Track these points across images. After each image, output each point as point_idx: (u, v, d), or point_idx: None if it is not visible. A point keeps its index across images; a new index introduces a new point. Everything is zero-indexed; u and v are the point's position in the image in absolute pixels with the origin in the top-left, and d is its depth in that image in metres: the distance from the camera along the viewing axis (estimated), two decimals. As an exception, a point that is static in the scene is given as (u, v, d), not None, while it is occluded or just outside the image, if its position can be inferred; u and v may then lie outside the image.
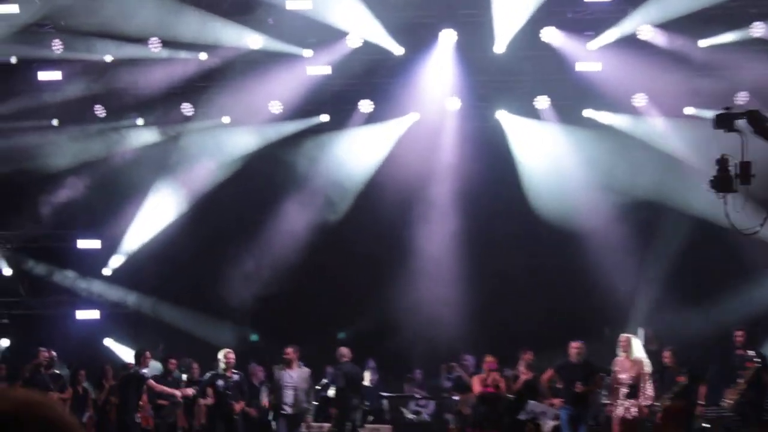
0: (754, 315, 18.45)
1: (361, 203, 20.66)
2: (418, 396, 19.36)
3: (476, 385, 16.87)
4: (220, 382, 16.91)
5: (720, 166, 15.07)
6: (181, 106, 19.95)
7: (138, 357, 17.43)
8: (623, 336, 15.96)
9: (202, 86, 19.53)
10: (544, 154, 20.32)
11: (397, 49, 18.92)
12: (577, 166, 20.00)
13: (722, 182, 14.93)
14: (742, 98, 17.82)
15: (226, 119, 20.34)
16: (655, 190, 19.37)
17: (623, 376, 15.64)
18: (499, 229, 20.45)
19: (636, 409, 15.59)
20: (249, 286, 20.53)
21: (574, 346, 16.54)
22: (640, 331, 17.66)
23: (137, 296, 21.11)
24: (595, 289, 19.63)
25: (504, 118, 20.40)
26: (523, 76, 19.26)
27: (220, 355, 17.05)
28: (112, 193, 20.33)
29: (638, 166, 19.35)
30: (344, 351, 17.28)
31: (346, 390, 16.98)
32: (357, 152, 20.73)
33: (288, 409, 16.57)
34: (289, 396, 16.58)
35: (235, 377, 17.05)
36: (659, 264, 19.94)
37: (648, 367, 15.76)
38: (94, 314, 20.91)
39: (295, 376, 16.67)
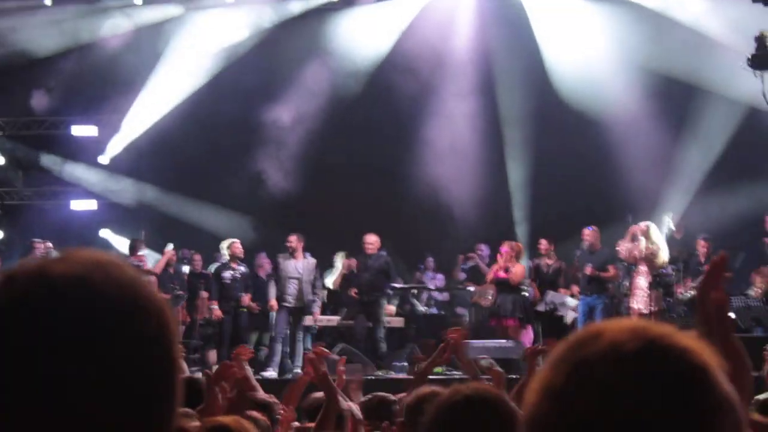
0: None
1: (374, 85, 19.63)
2: (431, 288, 18.71)
3: (490, 274, 16.21)
4: (226, 274, 16.10)
5: (758, 44, 14.44)
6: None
7: (131, 248, 16.82)
8: (642, 224, 15.36)
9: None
10: (569, 32, 19.27)
11: None
12: (606, 47, 18.94)
13: (761, 60, 14.30)
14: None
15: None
16: (689, 72, 18.27)
17: (641, 267, 15.12)
18: (520, 112, 19.52)
19: (655, 303, 15.06)
20: (257, 176, 19.75)
21: (586, 234, 16.00)
22: (666, 218, 16.91)
23: (137, 186, 20.33)
24: (623, 175, 18.83)
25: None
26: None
27: (224, 245, 16.32)
28: (108, 79, 19.44)
29: (671, 47, 18.28)
30: (371, 239, 16.33)
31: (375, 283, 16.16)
32: (368, 31, 19.68)
33: (290, 301, 15.73)
34: (292, 287, 15.74)
35: (242, 269, 16.24)
36: (693, 149, 19.05)
37: (661, 258, 15.18)
38: (90, 204, 20.18)
39: (299, 266, 15.80)
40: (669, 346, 1.64)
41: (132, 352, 1.65)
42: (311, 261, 15.99)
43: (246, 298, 16.23)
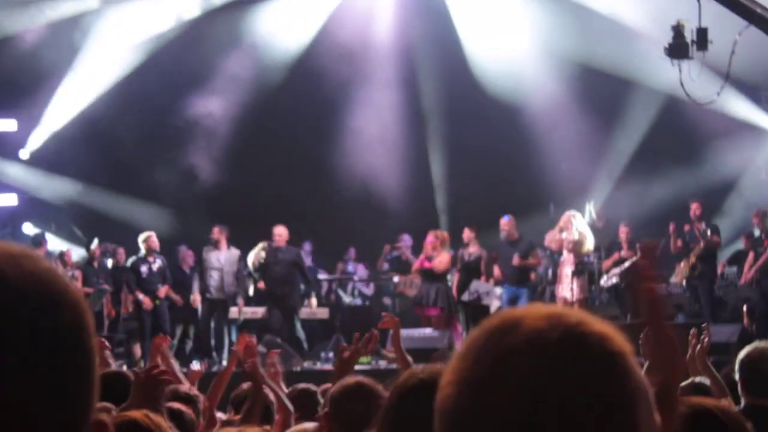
0: (709, 188, 17.88)
1: (298, 75, 19.56)
2: (355, 278, 18.73)
3: (416, 263, 16.25)
4: (143, 268, 15.95)
5: (675, 33, 14.61)
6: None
7: (36, 243, 16.67)
8: (565, 214, 15.46)
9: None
10: (490, 23, 19.30)
11: None
12: (526, 37, 19.04)
13: (678, 49, 14.47)
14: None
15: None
16: (610, 62, 18.45)
17: (566, 256, 15.22)
18: (443, 103, 19.62)
19: (580, 291, 15.15)
20: (183, 168, 19.56)
21: (503, 223, 16.09)
22: (588, 206, 17.08)
23: (59, 180, 20.11)
24: (545, 165, 18.99)
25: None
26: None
27: (141, 238, 16.13)
28: (27, 72, 19.14)
29: (592, 37, 18.41)
30: (280, 231, 16.37)
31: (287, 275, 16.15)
32: (292, 21, 19.60)
33: (212, 293, 15.76)
34: (214, 279, 15.74)
35: (158, 262, 16.10)
36: (614, 138, 19.28)
37: (586, 246, 15.30)
38: (11, 199, 19.92)
39: (222, 258, 15.81)
40: (586, 333, 1.65)
41: (47, 344, 1.64)
42: (234, 252, 15.99)
43: (163, 290, 16.03)
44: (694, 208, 15.98)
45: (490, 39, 19.33)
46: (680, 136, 18.71)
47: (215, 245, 15.90)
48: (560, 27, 18.61)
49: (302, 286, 16.58)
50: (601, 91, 18.74)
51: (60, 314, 1.66)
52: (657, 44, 15.01)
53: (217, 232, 15.88)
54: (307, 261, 17.85)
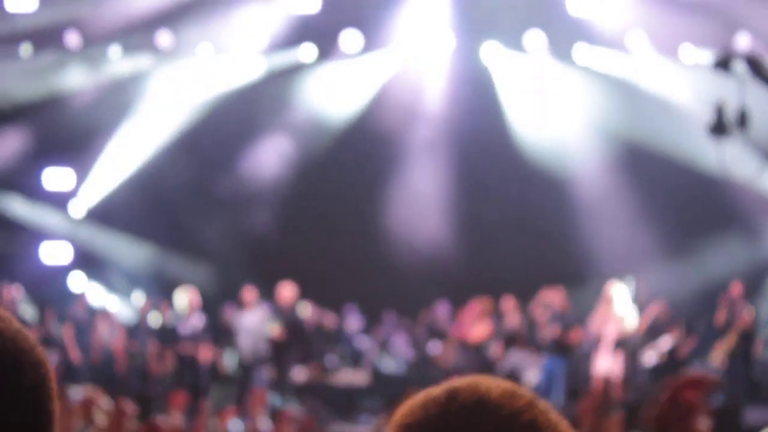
0: (749, 269, 17.83)
1: (347, 141, 19.90)
2: (394, 344, 18.78)
3: (456, 332, 16.27)
4: (184, 325, 15.68)
5: (717, 112, 14.68)
6: (160, 34, 19.09)
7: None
8: (608, 289, 15.43)
9: (181, 13, 18.72)
10: (533, 94, 19.63)
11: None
12: (568, 108, 19.37)
13: (720, 128, 14.51)
14: (743, 39, 17.11)
15: (205, 50, 19.47)
16: (649, 136, 18.67)
17: (608, 331, 15.15)
18: (484, 172, 19.88)
19: (619, 368, 15.06)
20: (232, 226, 19.99)
21: (548, 295, 16.09)
22: (630, 282, 17.06)
23: (112, 235, 20.45)
24: (587, 239, 19.18)
25: (492, 53, 19.62)
26: (513, 10, 18.59)
27: (181, 296, 15.80)
28: (84, 129, 19.59)
29: (635, 112, 18.66)
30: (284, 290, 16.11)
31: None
32: (341, 90, 19.99)
33: (243, 355, 15.71)
34: (244, 341, 15.63)
35: (198, 319, 15.66)
36: (655, 215, 19.31)
37: (627, 322, 15.23)
38: (63, 251, 20.25)
39: (250, 319, 15.70)
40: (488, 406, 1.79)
41: (6, 402, 1.71)
42: (261, 312, 15.97)
43: (201, 348, 15.70)
44: (736, 288, 15.98)
45: (535, 112, 19.61)
46: (723, 213, 18.71)
47: (244, 306, 15.85)
48: (605, 102, 18.83)
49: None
50: (644, 167, 18.88)
51: (21, 375, 1.73)
52: (700, 122, 15.11)
53: (247, 292, 15.82)
54: (353, 325, 18.03)
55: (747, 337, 15.88)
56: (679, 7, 17.46)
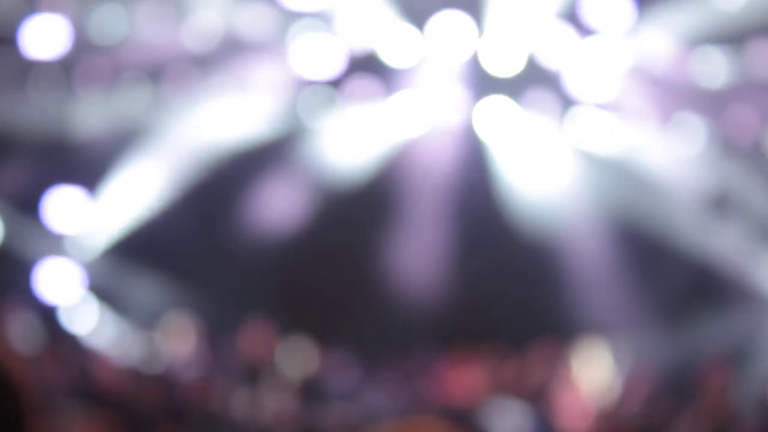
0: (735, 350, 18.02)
1: (349, 202, 20.38)
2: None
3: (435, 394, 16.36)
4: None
5: (715, 194, 15.20)
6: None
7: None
8: (583, 354, 15.45)
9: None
10: (528, 165, 20.21)
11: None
12: (562, 172, 19.96)
13: (717, 209, 15.03)
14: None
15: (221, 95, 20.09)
16: (647, 217, 19.21)
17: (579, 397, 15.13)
18: (475, 237, 20.30)
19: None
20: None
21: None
22: (608, 351, 17.33)
23: (118, 271, 20.80)
24: (570, 310, 19.54)
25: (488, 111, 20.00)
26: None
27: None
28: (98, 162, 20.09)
29: (630, 190, 19.26)
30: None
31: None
32: (347, 152, 20.54)
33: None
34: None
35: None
36: (644, 293, 19.75)
37: (600, 390, 15.28)
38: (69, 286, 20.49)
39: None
40: None
41: None
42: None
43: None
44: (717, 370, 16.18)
45: (528, 183, 20.17)
46: (715, 295, 19.23)
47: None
48: (601, 181, 19.50)
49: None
50: (637, 244, 19.43)
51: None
52: (697, 204, 15.50)
53: None
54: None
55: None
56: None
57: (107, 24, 18.96)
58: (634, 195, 19.13)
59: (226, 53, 19.33)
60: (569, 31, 18.46)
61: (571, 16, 18.46)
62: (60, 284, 20.27)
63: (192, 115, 20.11)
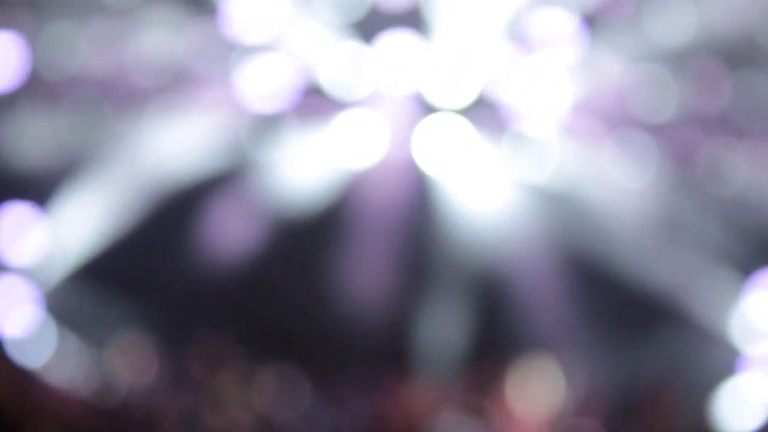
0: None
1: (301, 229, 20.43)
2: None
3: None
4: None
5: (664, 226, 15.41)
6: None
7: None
8: (525, 371, 15.60)
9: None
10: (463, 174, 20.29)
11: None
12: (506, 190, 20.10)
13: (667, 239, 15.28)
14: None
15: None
16: (590, 243, 19.34)
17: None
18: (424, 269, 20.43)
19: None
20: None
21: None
22: (553, 367, 17.52)
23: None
24: (517, 334, 19.50)
25: (433, 154, 20.16)
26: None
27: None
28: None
29: (577, 223, 19.41)
30: None
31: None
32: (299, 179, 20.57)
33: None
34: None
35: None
36: (584, 316, 19.88)
37: (543, 407, 15.47)
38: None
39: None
40: None
41: None
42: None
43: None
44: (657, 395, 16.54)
45: (471, 210, 20.22)
46: (657, 319, 19.30)
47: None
48: (544, 207, 19.71)
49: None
50: (580, 269, 19.57)
51: None
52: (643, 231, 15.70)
53: None
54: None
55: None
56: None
57: (52, 51, 19.00)
58: (578, 222, 19.35)
59: (172, 83, 19.39)
60: (516, 58, 18.68)
61: (519, 42, 18.74)
62: (9, 313, 20.35)
63: (138, 144, 20.05)
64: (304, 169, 20.37)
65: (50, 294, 20.19)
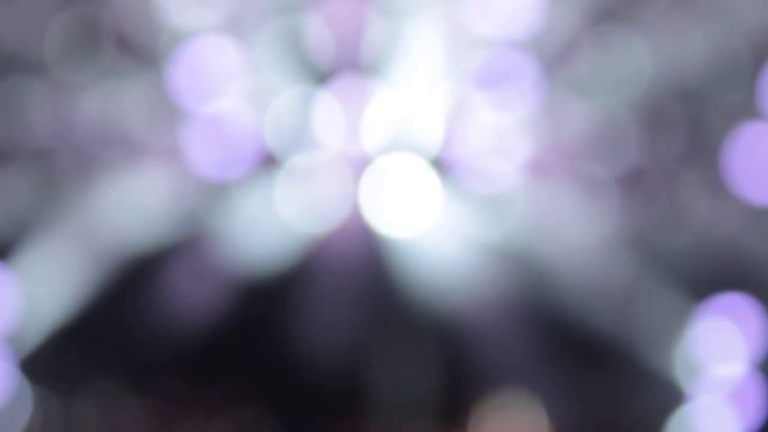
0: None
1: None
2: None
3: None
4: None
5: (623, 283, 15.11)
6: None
7: None
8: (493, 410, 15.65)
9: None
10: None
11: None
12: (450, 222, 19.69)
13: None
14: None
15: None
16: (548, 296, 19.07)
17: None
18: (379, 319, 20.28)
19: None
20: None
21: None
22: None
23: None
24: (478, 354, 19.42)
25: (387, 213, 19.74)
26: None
27: None
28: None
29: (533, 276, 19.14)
30: None
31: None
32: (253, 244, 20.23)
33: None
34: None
35: None
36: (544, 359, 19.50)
37: None
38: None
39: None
40: None
41: None
42: None
43: None
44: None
45: (425, 264, 19.73)
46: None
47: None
48: (500, 261, 19.38)
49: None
50: (537, 319, 19.27)
51: None
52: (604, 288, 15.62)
53: None
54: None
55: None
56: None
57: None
58: (536, 277, 19.08)
59: (117, 150, 19.10)
60: (474, 107, 18.34)
61: (476, 90, 18.32)
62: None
63: (88, 210, 19.86)
64: (259, 234, 20.04)
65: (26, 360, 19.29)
